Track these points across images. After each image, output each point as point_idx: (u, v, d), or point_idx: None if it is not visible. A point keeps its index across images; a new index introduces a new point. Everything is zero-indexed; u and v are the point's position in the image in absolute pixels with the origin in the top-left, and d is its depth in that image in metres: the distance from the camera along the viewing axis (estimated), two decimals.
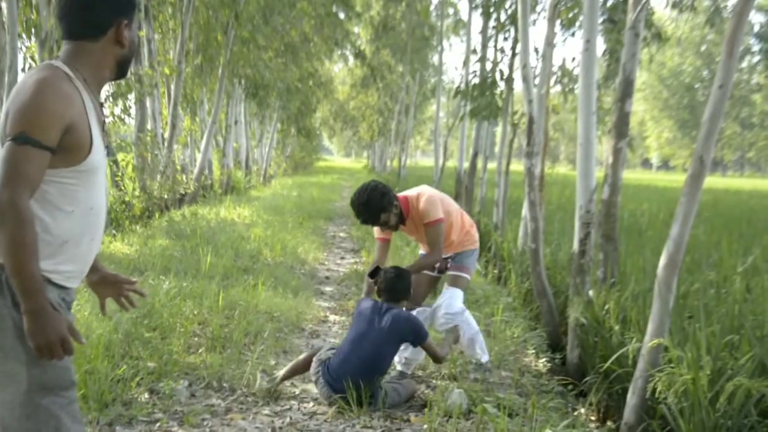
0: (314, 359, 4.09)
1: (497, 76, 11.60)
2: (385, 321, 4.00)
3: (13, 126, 1.80)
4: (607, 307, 4.77)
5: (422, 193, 4.55)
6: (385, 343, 4.00)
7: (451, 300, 4.57)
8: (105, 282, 2.27)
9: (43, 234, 1.85)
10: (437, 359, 4.20)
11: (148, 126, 12.93)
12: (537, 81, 8.24)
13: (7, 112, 1.84)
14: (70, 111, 1.85)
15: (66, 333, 1.84)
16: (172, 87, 13.42)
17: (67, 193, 1.90)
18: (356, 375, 3.85)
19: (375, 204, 4.35)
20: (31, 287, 1.77)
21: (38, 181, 1.82)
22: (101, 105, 2.05)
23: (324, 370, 3.96)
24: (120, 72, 2.07)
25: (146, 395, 3.80)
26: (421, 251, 4.91)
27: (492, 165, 14.62)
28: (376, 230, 4.70)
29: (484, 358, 4.61)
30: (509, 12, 11.76)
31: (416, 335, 4.06)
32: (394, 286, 4.19)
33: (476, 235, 4.83)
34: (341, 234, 12.29)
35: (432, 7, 26.67)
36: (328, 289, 7.40)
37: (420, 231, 4.59)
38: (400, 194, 4.58)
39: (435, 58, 31.32)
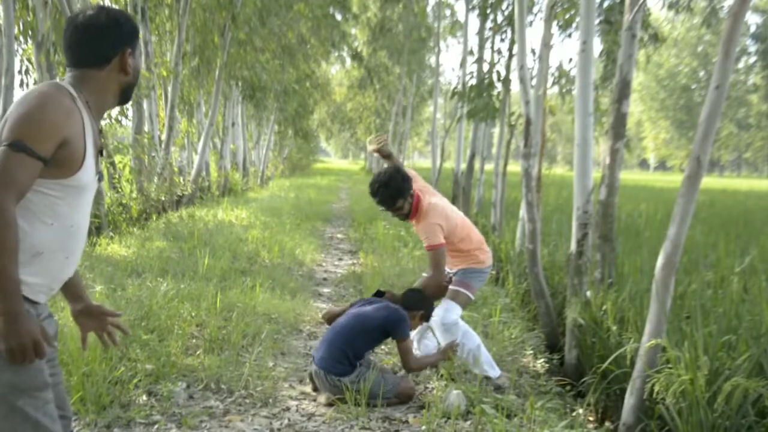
0: None
1: (494, 77, 11.61)
2: (377, 306, 4.22)
3: (11, 133, 1.82)
4: (604, 307, 4.78)
5: (431, 209, 4.50)
6: (368, 322, 4.11)
7: (446, 312, 4.50)
8: (89, 313, 2.26)
9: (24, 236, 1.85)
10: (406, 365, 4.20)
11: (146, 128, 12.91)
12: (534, 82, 8.26)
13: (6, 119, 1.87)
14: (68, 126, 1.89)
15: (39, 336, 1.84)
16: (169, 89, 13.41)
17: (49, 204, 1.92)
18: (333, 341, 4.06)
19: (394, 186, 4.41)
20: (8, 289, 1.78)
21: (27, 189, 1.84)
22: (100, 132, 2.08)
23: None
24: (123, 98, 2.12)
25: (144, 397, 3.79)
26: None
27: (489, 166, 14.65)
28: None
29: (495, 373, 4.48)
30: (506, 13, 11.78)
31: (394, 328, 4.11)
32: (406, 297, 4.38)
33: (483, 256, 4.67)
34: (339, 235, 12.29)
35: (429, 9, 26.71)
36: (325, 290, 7.40)
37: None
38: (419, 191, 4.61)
39: (432, 60, 31.38)
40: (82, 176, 1.95)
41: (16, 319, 1.79)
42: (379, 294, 4.53)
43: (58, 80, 2.01)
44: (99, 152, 2.05)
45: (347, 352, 4.03)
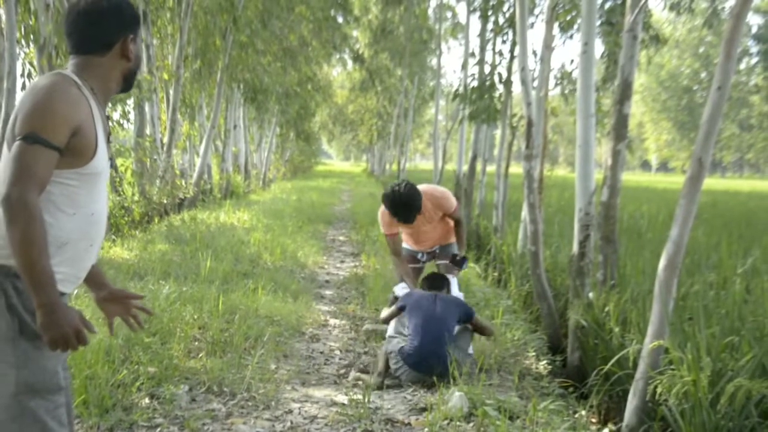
0: (389, 355, 4.46)
1: (496, 79, 11.61)
2: (439, 305, 4.54)
3: (23, 126, 1.84)
4: (607, 309, 4.77)
5: (435, 189, 5.06)
6: (447, 322, 4.46)
7: (456, 288, 5.07)
8: (113, 298, 2.27)
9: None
10: (488, 332, 4.76)
11: (147, 131, 12.93)
12: (536, 84, 8.26)
13: (17, 113, 1.88)
14: (78, 114, 1.90)
15: (80, 324, 1.86)
16: (171, 92, 13.42)
17: (69, 195, 1.94)
18: (436, 351, 4.30)
19: (417, 203, 4.73)
20: (43, 281, 1.80)
21: (47, 180, 1.86)
22: (108, 118, 2.10)
23: (404, 359, 4.35)
24: (126, 84, 2.13)
25: (147, 400, 3.79)
26: (406, 244, 5.34)
27: (491, 168, 14.62)
28: (386, 227, 5.05)
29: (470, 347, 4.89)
30: (507, 15, 11.78)
31: (465, 313, 4.61)
32: (433, 279, 4.90)
33: None
34: (341, 238, 12.29)
35: (430, 11, 26.72)
36: (328, 292, 7.40)
37: (431, 222, 5.05)
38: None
39: (433, 62, 31.37)
40: (97, 163, 1.97)
41: (54, 309, 1.81)
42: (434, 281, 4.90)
43: (61, 70, 2.01)
44: (107, 138, 2.06)
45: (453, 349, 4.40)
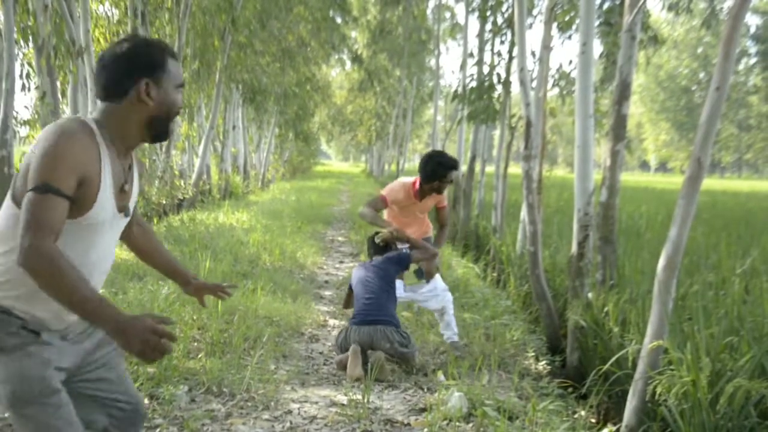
0: (340, 337, 4.79)
1: (494, 79, 11.62)
2: (373, 268, 4.94)
3: (34, 177, 1.82)
4: (606, 309, 4.78)
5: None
6: (383, 275, 4.84)
7: (438, 279, 5.34)
8: (198, 290, 2.60)
9: (24, 276, 1.83)
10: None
11: None
12: (534, 84, 8.26)
13: (29, 161, 1.86)
14: (85, 163, 1.88)
15: (151, 325, 1.81)
16: None
17: (60, 243, 1.88)
18: (380, 303, 4.71)
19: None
20: (92, 310, 1.78)
21: (60, 228, 1.83)
22: (129, 167, 2.06)
23: (355, 322, 4.70)
24: (154, 133, 2.05)
25: (146, 401, 3.79)
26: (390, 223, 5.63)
27: (490, 168, 14.63)
28: (392, 195, 5.39)
29: (456, 337, 5.15)
30: (506, 15, 11.79)
31: (401, 260, 4.98)
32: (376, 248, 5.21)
33: None
34: (340, 238, 12.29)
35: (429, 11, 26.75)
36: (327, 293, 7.40)
37: (423, 213, 5.57)
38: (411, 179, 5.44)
39: (432, 62, 31.41)
40: (96, 214, 1.94)
41: (121, 328, 1.78)
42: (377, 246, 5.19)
43: (81, 116, 2.00)
44: (121, 188, 2.02)
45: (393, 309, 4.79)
